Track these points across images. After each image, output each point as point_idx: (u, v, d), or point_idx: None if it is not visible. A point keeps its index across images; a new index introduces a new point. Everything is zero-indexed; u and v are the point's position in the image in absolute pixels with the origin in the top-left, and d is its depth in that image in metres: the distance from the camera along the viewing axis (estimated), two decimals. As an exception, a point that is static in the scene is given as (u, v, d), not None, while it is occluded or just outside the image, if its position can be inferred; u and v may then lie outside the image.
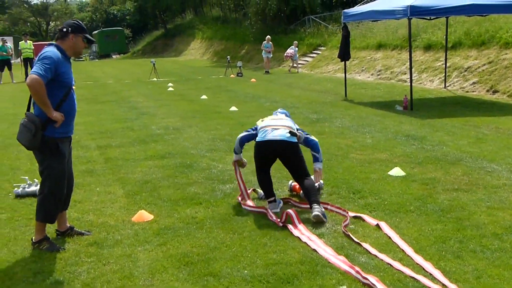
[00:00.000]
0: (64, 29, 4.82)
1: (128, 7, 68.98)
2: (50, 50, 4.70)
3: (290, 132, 5.91)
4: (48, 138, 4.69)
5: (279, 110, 6.65)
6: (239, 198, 6.21)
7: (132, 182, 7.18)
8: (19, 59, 27.01)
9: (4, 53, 24.78)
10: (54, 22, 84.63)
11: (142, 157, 8.64)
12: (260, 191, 6.39)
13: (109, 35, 58.61)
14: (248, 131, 6.23)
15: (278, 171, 7.11)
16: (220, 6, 50.48)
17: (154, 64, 25.92)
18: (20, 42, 25.41)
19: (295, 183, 6.47)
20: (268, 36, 27.18)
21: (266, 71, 26.38)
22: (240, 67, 25.62)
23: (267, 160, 6.01)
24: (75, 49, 4.87)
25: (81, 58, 56.72)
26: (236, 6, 45.62)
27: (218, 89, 19.55)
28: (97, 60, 55.12)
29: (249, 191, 6.32)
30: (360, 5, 23.95)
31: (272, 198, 5.93)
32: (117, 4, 72.69)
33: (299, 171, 5.87)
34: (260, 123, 6.20)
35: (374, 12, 14.10)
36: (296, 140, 5.94)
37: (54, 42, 4.85)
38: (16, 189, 6.66)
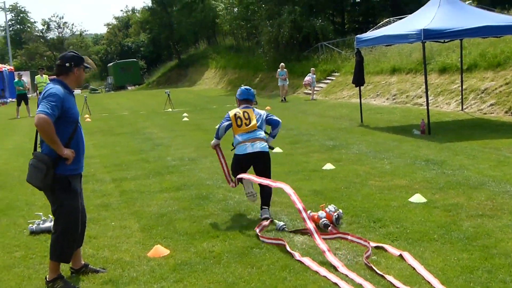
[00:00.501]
0: (67, 64, 4.77)
1: (142, 38, 69.62)
2: (55, 87, 4.63)
3: (265, 142, 7.02)
4: (60, 176, 4.61)
5: (244, 106, 7.23)
6: (257, 230, 6.08)
7: (147, 215, 7.08)
8: (35, 93, 27.24)
9: (21, 88, 25.05)
10: None
11: (158, 189, 8.55)
12: (278, 222, 6.28)
13: (124, 67, 59.32)
14: (227, 119, 7.05)
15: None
16: (233, 35, 50.89)
17: (168, 94, 26.05)
18: (36, 76, 25.64)
19: (313, 213, 6.40)
20: (282, 64, 26.97)
21: (282, 99, 25.94)
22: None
23: (245, 168, 6.98)
24: (79, 81, 4.84)
25: (97, 90, 57.90)
26: (249, 34, 45.95)
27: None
28: (112, 92, 55.75)
29: (267, 223, 6.23)
30: (373, 30, 23.96)
31: (251, 192, 6.96)
32: (131, 36, 73.43)
33: (263, 174, 6.87)
34: (232, 119, 7.02)
35: (387, 36, 14.04)
36: (268, 149, 7.04)
37: (56, 78, 4.80)
38: (30, 225, 6.59)
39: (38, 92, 25.82)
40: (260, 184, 6.64)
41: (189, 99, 31.20)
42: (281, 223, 6.21)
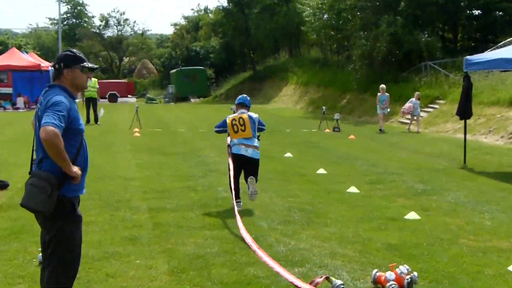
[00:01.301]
0: (57, 66, 4.78)
1: (213, 43, 70.40)
2: (58, 94, 4.63)
3: (257, 149, 10.00)
4: (63, 198, 4.60)
5: (243, 111, 10.16)
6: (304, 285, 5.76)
7: (180, 255, 7.08)
8: (81, 99, 28.27)
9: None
10: (128, 58, 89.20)
11: (199, 225, 8.57)
12: (335, 281, 6.03)
13: (189, 75, 60.66)
14: (223, 126, 10.04)
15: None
16: (319, 47, 50.95)
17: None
18: None
19: (380, 274, 6.24)
20: (383, 86, 25.70)
21: (380, 130, 25.08)
22: (337, 120, 25.56)
23: (239, 167, 9.75)
24: (76, 85, 4.82)
25: (155, 100, 59.60)
26: (339, 47, 45.80)
27: (307, 145, 19.56)
28: (172, 103, 57.15)
29: (320, 279, 6.04)
30: (491, 50, 23.32)
31: (239, 200, 9.73)
32: (200, 40, 74.50)
33: (252, 174, 9.80)
34: (229, 126, 9.94)
35: (503, 60, 13.66)
36: (259, 156, 10.06)
37: (55, 83, 4.80)
38: (40, 254, 6.61)
39: (84, 98, 26.81)
40: (245, 177, 9.86)
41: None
42: (339, 282, 5.99)
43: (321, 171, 13.80)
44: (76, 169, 4.58)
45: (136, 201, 10.17)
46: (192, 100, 59.41)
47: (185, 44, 75.64)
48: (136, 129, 23.60)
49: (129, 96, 66.64)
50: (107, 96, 58.21)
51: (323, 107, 27.61)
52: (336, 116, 25.91)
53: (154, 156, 16.32)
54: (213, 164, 14.73)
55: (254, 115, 10.13)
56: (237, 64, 66.78)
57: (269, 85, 53.54)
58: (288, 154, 16.88)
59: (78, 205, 4.84)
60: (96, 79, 27.28)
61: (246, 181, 9.83)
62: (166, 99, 60.88)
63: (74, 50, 4.86)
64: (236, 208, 8.35)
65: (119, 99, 60.92)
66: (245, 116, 9.97)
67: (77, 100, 32.52)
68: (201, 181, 12.32)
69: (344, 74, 39.00)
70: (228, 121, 9.92)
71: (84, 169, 4.75)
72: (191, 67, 63.39)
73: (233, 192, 9.14)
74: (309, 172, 13.70)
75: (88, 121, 26.24)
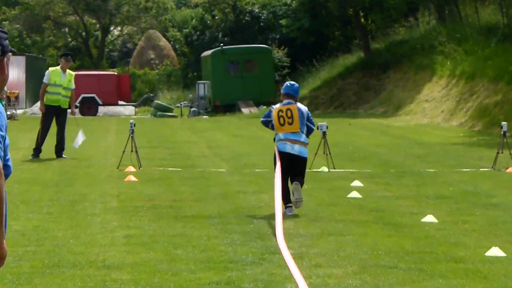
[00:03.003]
0: None
1: (286, 0, 60.30)
2: None
3: (305, 146, 13.35)
4: None
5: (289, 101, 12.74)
6: None
7: None
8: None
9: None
10: (120, 28, 79.97)
11: None
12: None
13: (239, 62, 52.06)
14: (268, 118, 12.88)
15: None
16: (500, 3, 42.51)
17: (324, 131, 21.22)
18: (50, 70, 23.53)
19: None
20: None
21: None
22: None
23: (287, 167, 12.51)
24: None
25: (170, 111, 52.16)
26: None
27: (468, 201, 16.45)
28: (205, 117, 48.37)
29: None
30: None
31: (290, 204, 13.12)
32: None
33: (299, 175, 13.22)
34: (275, 118, 12.56)
35: None
36: (307, 154, 13.48)
37: None
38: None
39: (43, 107, 23.41)
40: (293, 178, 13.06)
41: (375, 146, 28.85)
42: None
43: (496, 252, 11.06)
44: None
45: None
46: (246, 110, 49.29)
47: (231, 1, 60.87)
48: (131, 168, 20.59)
49: (120, 102, 55.18)
50: (77, 103, 43.01)
51: (503, 124, 22.11)
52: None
53: (161, 222, 13.84)
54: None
55: (303, 107, 12.91)
56: (334, 40, 59.28)
57: (395, 79, 48.12)
58: (429, 218, 13.98)
59: None
60: (73, 72, 23.34)
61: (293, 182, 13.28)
62: (193, 110, 50.40)
63: None
64: (285, 213, 12.02)
65: (101, 109, 52.72)
66: (293, 107, 12.48)
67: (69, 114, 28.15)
68: (257, 270, 10.21)
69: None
70: (274, 112, 12.59)
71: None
72: (243, 46, 54.09)
73: (279, 196, 11.23)
74: (471, 256, 11.14)
75: (37, 151, 22.56)
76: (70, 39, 75.47)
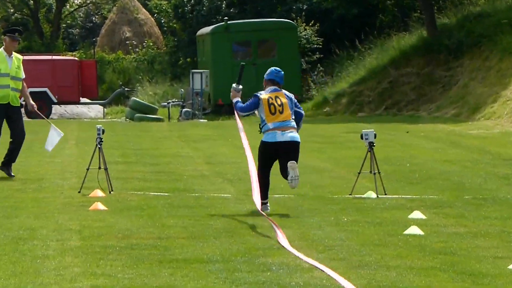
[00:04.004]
0: None
1: None
2: None
3: (296, 130, 16.40)
4: None
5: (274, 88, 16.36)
6: None
7: None
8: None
9: None
10: None
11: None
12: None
13: (250, 43, 52.14)
14: (255, 103, 16.42)
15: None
16: None
17: (372, 144, 21.29)
18: None
19: None
20: None
21: None
22: None
23: (271, 158, 16.45)
24: None
25: (153, 113, 52.00)
26: None
27: None
28: (203, 120, 48.76)
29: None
30: None
31: (266, 201, 16.63)
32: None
33: (284, 162, 16.21)
34: (265, 106, 16.08)
35: None
36: (299, 139, 16.55)
37: None
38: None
39: None
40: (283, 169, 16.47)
41: (445, 163, 28.16)
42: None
43: None
44: None
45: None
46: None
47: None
48: (98, 193, 20.31)
49: (82, 100, 55.68)
50: (22, 101, 42.92)
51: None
52: None
53: (141, 268, 13.15)
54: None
55: (290, 94, 16.15)
56: (385, 12, 58.87)
57: (471, 69, 48.32)
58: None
59: None
60: (21, 56, 23.99)
61: (284, 175, 15.99)
62: (186, 111, 49.42)
63: None
64: (261, 212, 15.40)
65: (56, 109, 53.04)
66: (281, 94, 15.73)
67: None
68: None
69: None
70: (263, 100, 15.67)
71: None
72: (257, 21, 54.30)
73: (261, 193, 15.84)
74: None
75: None
76: (11, 10, 73.73)
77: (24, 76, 24.04)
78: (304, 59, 51.66)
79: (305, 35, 53.88)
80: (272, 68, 15.69)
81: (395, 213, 18.69)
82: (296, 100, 15.77)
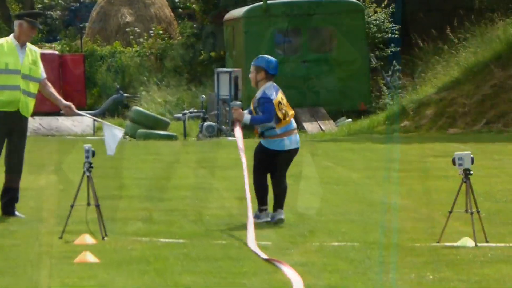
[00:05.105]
0: None
1: None
2: None
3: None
4: None
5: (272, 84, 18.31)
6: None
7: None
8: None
9: None
10: None
11: None
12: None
13: (293, 29, 51.26)
14: (273, 109, 18.09)
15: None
16: None
17: (468, 172, 21.72)
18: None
19: None
20: None
21: None
22: None
23: (272, 164, 19.58)
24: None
25: (162, 125, 50.17)
26: None
27: None
28: (232, 137, 46.85)
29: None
30: None
31: (265, 207, 19.80)
32: None
33: (282, 171, 19.64)
34: (278, 111, 18.55)
35: None
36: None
37: None
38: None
39: None
40: (272, 179, 20.09)
41: None
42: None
43: None
44: None
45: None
46: (312, 126, 49.69)
47: None
48: (86, 239, 19.94)
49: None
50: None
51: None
52: None
53: None
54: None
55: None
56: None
57: None
58: None
59: None
60: (38, 50, 22.91)
61: (275, 176, 18.11)
62: (209, 125, 48.19)
63: None
64: (258, 217, 16.44)
65: (31, 122, 47.83)
66: (281, 91, 17.62)
67: None
68: None
69: None
70: (275, 101, 17.71)
71: None
72: (310, 0, 52.36)
73: (257, 198, 17.42)
74: None
75: None
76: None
77: (45, 76, 22.96)
78: (374, 54, 52.26)
79: (375, 20, 52.56)
80: (268, 57, 17.40)
81: (501, 268, 18.06)
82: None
